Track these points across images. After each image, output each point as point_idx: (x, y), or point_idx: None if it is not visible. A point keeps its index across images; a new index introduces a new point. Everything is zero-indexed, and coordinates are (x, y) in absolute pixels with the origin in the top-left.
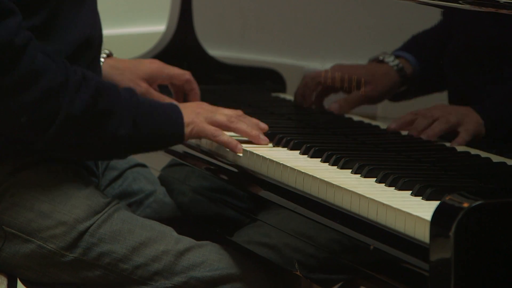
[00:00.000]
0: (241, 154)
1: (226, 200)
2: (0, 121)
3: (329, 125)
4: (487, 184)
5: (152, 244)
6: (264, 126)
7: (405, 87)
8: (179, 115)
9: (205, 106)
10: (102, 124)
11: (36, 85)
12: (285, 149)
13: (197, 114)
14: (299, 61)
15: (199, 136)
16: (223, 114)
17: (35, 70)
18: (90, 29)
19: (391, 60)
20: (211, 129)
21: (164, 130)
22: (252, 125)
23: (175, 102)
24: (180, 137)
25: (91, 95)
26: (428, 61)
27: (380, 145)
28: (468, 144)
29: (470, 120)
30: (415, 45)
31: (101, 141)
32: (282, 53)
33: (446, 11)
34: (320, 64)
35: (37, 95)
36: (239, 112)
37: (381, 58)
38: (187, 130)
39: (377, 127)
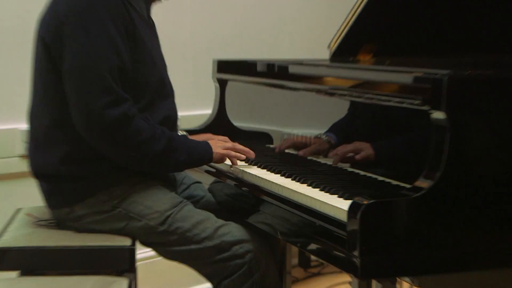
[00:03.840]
0: (251, 171)
1: (242, 200)
2: (116, 156)
3: (292, 160)
4: (376, 192)
5: (202, 222)
6: (242, 148)
7: (331, 146)
8: (210, 148)
9: (218, 139)
10: (171, 155)
11: (139, 137)
12: (272, 173)
13: (217, 146)
14: (280, 128)
15: (222, 158)
16: (227, 142)
17: (139, 129)
18: (170, 111)
19: (324, 136)
20: (225, 152)
21: (203, 156)
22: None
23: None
24: (210, 160)
25: (166, 141)
26: (342, 136)
27: (320, 171)
28: (364, 169)
29: (367, 150)
30: (335, 129)
31: (171, 163)
32: (272, 124)
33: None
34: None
35: (139, 142)
36: (226, 138)
37: (319, 135)
38: (215, 156)
39: (319, 162)
